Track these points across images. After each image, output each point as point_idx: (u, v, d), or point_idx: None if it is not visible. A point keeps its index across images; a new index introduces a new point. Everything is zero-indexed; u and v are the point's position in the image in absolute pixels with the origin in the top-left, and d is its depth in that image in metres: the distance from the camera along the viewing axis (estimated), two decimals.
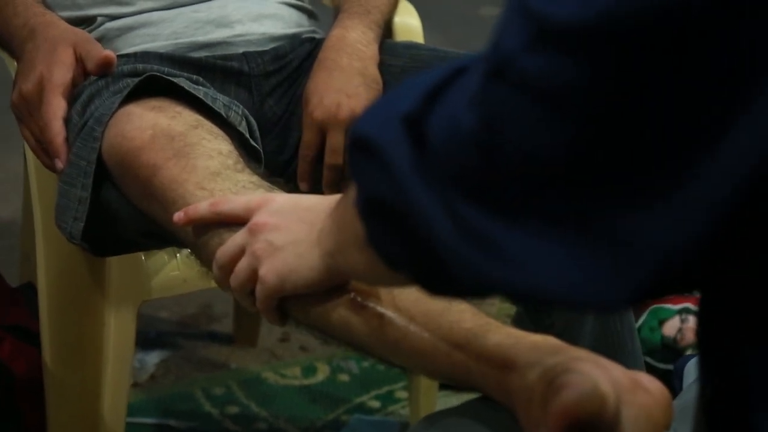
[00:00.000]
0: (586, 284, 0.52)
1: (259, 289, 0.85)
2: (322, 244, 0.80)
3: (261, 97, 1.30)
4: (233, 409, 1.70)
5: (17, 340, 1.48)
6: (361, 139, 0.63)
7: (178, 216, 0.94)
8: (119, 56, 1.22)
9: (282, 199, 0.88)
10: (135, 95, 1.10)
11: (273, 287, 0.84)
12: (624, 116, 0.50)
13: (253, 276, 0.85)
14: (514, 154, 0.52)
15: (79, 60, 1.17)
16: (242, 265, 0.86)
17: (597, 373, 0.69)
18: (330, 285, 0.83)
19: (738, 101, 0.48)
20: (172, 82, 1.11)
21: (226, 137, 1.06)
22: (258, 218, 0.86)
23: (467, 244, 0.55)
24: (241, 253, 0.87)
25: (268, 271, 0.84)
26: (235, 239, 0.88)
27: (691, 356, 1.02)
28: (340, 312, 0.84)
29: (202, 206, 0.93)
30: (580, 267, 0.52)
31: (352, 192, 0.68)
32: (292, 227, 0.83)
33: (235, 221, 0.90)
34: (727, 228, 0.51)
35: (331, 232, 0.79)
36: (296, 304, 0.86)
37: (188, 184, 0.97)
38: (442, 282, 0.61)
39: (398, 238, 0.62)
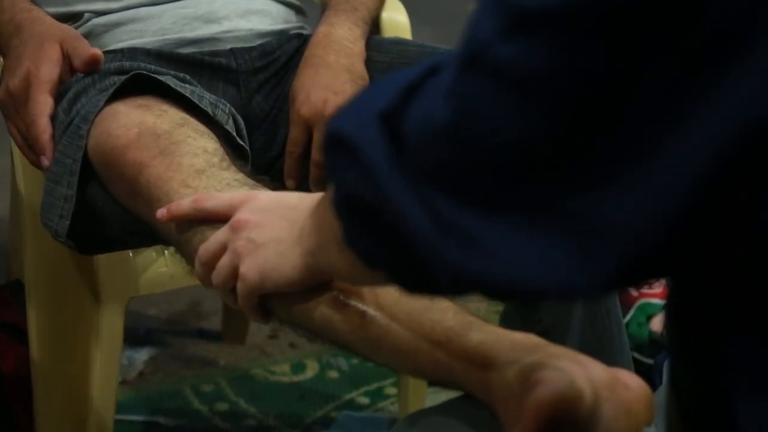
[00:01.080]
0: (560, 273, 0.53)
1: (240, 286, 0.85)
2: (303, 243, 0.80)
3: (248, 93, 1.30)
4: (222, 406, 1.70)
5: (5, 337, 1.48)
6: (337, 136, 0.63)
7: (161, 212, 0.94)
8: (106, 52, 1.22)
9: (265, 196, 0.88)
10: (121, 93, 1.10)
11: (253, 284, 0.84)
12: (596, 100, 0.50)
13: (234, 273, 0.85)
14: (486, 144, 0.53)
15: (66, 57, 1.17)
16: (223, 262, 0.86)
17: (574, 370, 0.69)
18: (311, 284, 0.83)
19: (706, 87, 0.49)
20: (159, 80, 1.11)
21: (212, 135, 1.06)
22: (240, 215, 0.86)
23: (444, 237, 0.56)
24: (222, 250, 0.86)
25: (249, 268, 0.83)
26: (217, 236, 0.87)
27: None
28: (322, 310, 0.84)
29: (184, 203, 0.93)
30: (554, 256, 0.53)
31: (328, 193, 0.68)
32: (274, 225, 0.83)
33: (218, 218, 0.90)
34: (698, 213, 0.51)
35: (311, 231, 0.79)
36: (279, 301, 0.86)
37: (173, 181, 0.97)
38: (420, 279, 0.61)
39: (375, 236, 0.62)
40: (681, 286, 0.58)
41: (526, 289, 0.54)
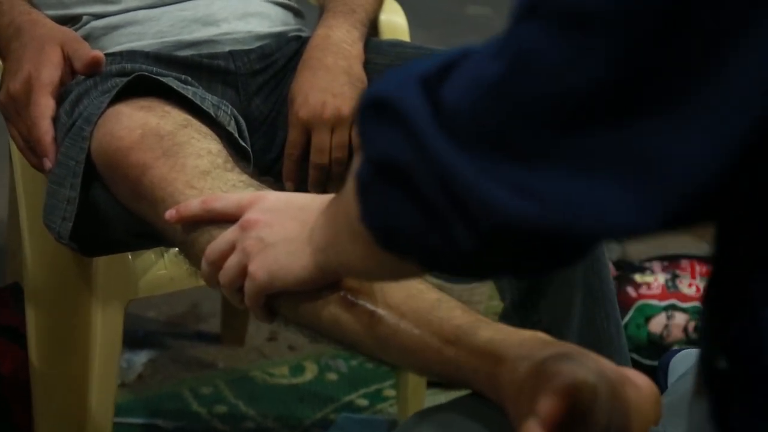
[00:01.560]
0: (617, 215, 0.53)
1: (248, 285, 0.85)
2: (314, 241, 0.80)
3: (247, 95, 1.30)
4: (221, 409, 1.70)
5: (4, 339, 1.47)
6: (376, 98, 0.62)
7: (170, 213, 0.94)
8: (105, 55, 1.22)
9: (274, 197, 0.88)
10: (124, 95, 1.10)
11: (262, 284, 0.84)
12: (660, 31, 0.51)
13: (243, 272, 0.85)
14: (545, 89, 0.53)
15: (67, 59, 1.17)
16: (232, 261, 0.86)
17: (585, 365, 0.69)
18: (320, 284, 0.83)
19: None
20: (161, 81, 1.11)
21: (215, 136, 1.06)
22: (250, 215, 0.86)
23: (494, 187, 0.56)
24: (231, 249, 0.87)
25: (259, 267, 0.83)
26: (225, 236, 0.88)
27: (676, 351, 1.02)
28: (330, 309, 0.84)
29: (193, 204, 0.93)
30: (610, 196, 0.53)
31: (354, 168, 0.68)
32: (284, 225, 0.83)
33: (227, 219, 0.90)
34: (755, 153, 0.52)
35: (323, 227, 0.79)
36: (286, 301, 0.86)
37: (177, 182, 0.97)
38: (449, 247, 0.60)
39: (406, 202, 0.61)
40: (728, 237, 0.58)
41: (579, 229, 0.54)
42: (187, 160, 0.99)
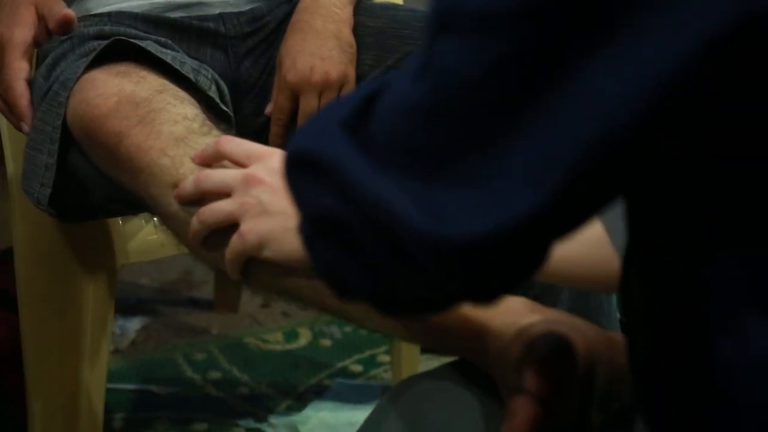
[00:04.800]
0: (473, 219, 0.52)
1: (235, 242, 0.84)
2: None
3: (237, 58, 1.29)
4: (215, 375, 1.70)
5: None
6: (298, 153, 0.60)
7: (195, 156, 0.93)
8: (92, 16, 1.20)
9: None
10: (101, 58, 1.08)
11: (250, 247, 0.82)
12: (551, 38, 0.49)
13: (229, 221, 0.84)
14: (453, 103, 0.52)
15: (42, 19, 1.15)
16: (224, 206, 0.85)
17: (570, 332, 0.69)
18: (308, 266, 0.81)
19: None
20: (139, 46, 1.10)
21: (193, 101, 1.05)
22: (256, 171, 0.84)
23: (424, 215, 0.54)
24: (224, 189, 0.85)
25: (251, 230, 0.82)
26: (226, 177, 0.86)
27: None
28: (311, 278, 0.83)
29: (209, 149, 0.92)
30: (474, 204, 0.52)
31: (297, 224, 0.65)
32: (288, 196, 0.81)
33: (234, 162, 0.89)
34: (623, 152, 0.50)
35: None
36: (268, 266, 0.85)
37: (153, 151, 0.96)
38: (399, 291, 0.58)
39: (346, 254, 0.59)
40: (643, 226, 0.57)
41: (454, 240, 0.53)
42: (163, 127, 0.98)
